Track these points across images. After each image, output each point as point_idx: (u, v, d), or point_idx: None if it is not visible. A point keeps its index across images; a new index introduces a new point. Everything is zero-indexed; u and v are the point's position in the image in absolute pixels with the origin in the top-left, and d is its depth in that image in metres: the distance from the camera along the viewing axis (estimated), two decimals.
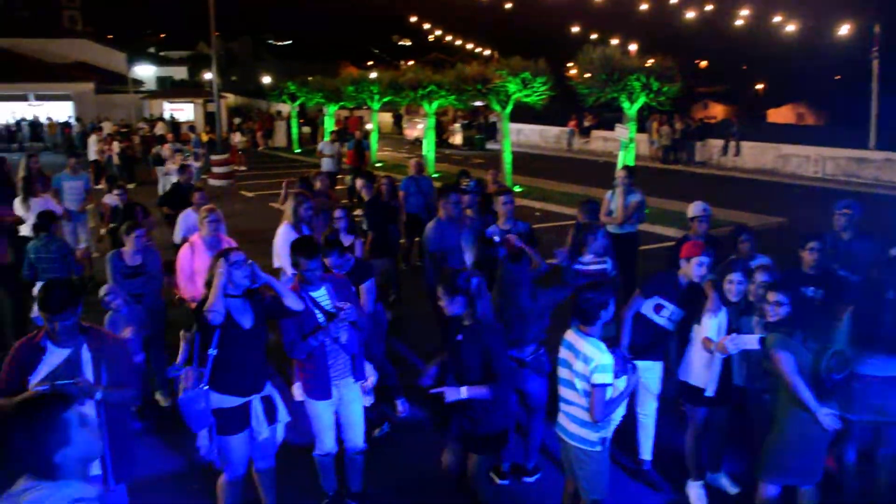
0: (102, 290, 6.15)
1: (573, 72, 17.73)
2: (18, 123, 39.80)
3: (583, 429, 4.44)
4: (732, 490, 5.55)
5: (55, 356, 3.89)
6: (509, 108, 19.27)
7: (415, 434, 6.33)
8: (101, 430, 3.94)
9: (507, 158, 19.40)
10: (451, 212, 7.42)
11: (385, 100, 26.41)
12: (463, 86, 20.41)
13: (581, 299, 4.45)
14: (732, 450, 5.74)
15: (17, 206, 9.78)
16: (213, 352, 4.46)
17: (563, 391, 4.52)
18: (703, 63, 76.50)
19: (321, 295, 4.93)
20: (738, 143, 26.23)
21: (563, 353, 4.51)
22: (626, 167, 9.78)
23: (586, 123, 33.80)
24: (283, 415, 4.85)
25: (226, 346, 4.48)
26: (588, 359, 4.30)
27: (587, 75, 16.04)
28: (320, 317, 4.88)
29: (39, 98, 42.60)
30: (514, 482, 5.69)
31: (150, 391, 6.84)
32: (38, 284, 7.61)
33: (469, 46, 57.06)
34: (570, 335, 4.52)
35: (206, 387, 4.45)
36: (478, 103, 28.78)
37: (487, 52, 52.15)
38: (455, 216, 7.44)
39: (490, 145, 34.05)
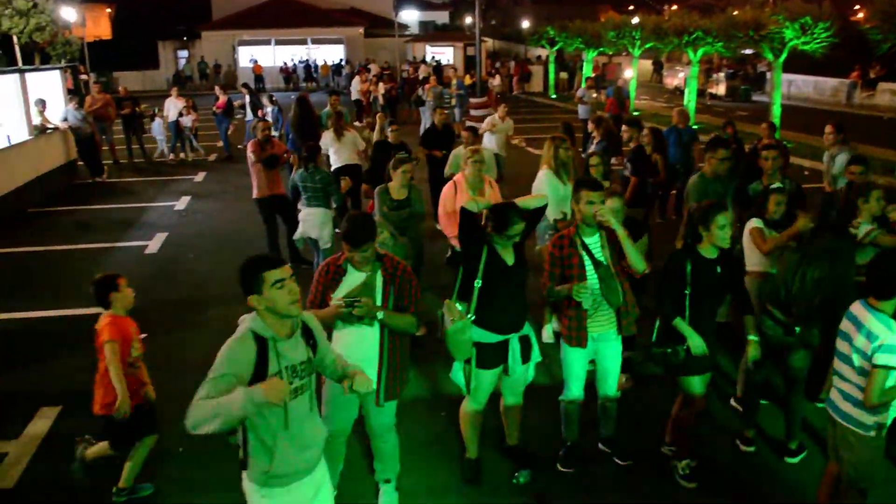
0: None
1: (861, 15, 15.90)
2: (295, 66, 43.41)
3: (857, 409, 4.05)
4: None
5: (354, 278, 4.26)
6: (783, 57, 17.76)
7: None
8: (380, 349, 4.30)
9: (777, 112, 17.98)
10: (717, 167, 7.03)
11: (647, 46, 25.38)
12: (733, 32, 19.08)
13: (878, 269, 4.01)
14: None
15: (328, 140, 10.76)
16: (478, 283, 4.61)
17: (839, 366, 4.14)
18: None
19: (594, 242, 4.88)
20: None
21: (845, 325, 4.11)
22: None
23: (872, 75, 30.29)
24: (536, 354, 4.92)
25: (489, 282, 4.60)
26: (873, 335, 3.87)
27: (880, 19, 14.26)
28: (589, 265, 4.82)
29: (315, 42, 46.02)
30: (772, 458, 5.36)
31: None
32: (302, 210, 8.34)
33: None
34: (857, 307, 4.09)
35: (472, 317, 4.61)
36: (747, 51, 26.78)
37: None
38: (721, 172, 7.04)
39: (756, 97, 31.74)
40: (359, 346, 4.27)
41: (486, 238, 4.65)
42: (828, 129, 8.88)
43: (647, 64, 42.21)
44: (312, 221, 8.22)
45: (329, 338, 4.28)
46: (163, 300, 8.69)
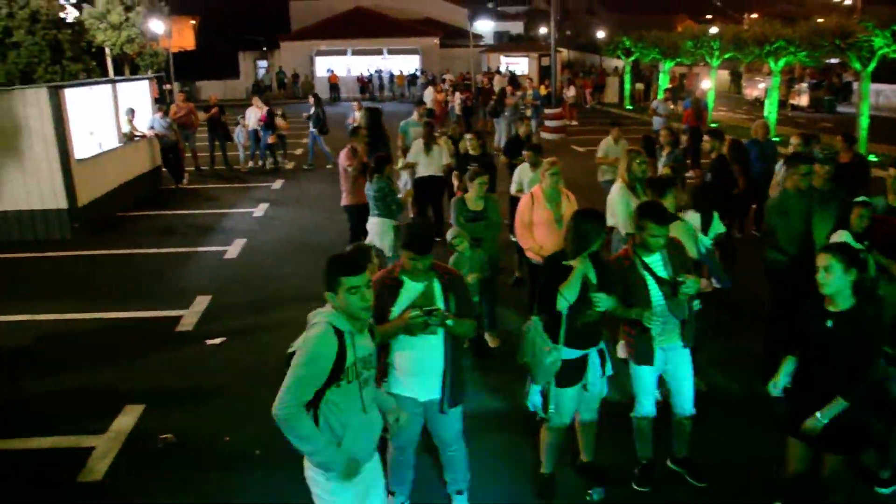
0: (450, 233, 6.60)
1: None
2: (371, 76, 44.04)
3: None
4: None
5: (412, 289, 4.25)
6: (871, 66, 17.14)
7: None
8: (444, 357, 4.31)
9: (864, 123, 17.36)
10: (799, 183, 6.81)
11: (725, 56, 24.87)
12: (817, 40, 18.53)
13: None
14: None
15: (417, 150, 10.98)
16: (563, 306, 4.53)
17: None
18: None
19: (655, 261, 4.79)
20: None
21: None
22: None
23: None
24: (609, 368, 4.86)
25: (581, 300, 4.53)
26: None
27: None
28: (653, 285, 4.74)
29: (391, 52, 46.62)
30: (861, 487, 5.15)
31: (479, 332, 7.22)
32: (369, 219, 8.46)
33: None
34: None
35: (562, 346, 4.56)
36: (832, 60, 25.99)
37: (848, 1, 46.60)
38: (804, 188, 6.82)
39: (841, 108, 30.71)
40: (426, 358, 4.28)
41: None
42: None
43: (725, 74, 41.34)
44: (374, 230, 8.39)
45: (387, 351, 4.35)
46: (241, 304, 8.91)
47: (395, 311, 4.20)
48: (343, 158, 9.65)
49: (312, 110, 18.45)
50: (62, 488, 5.27)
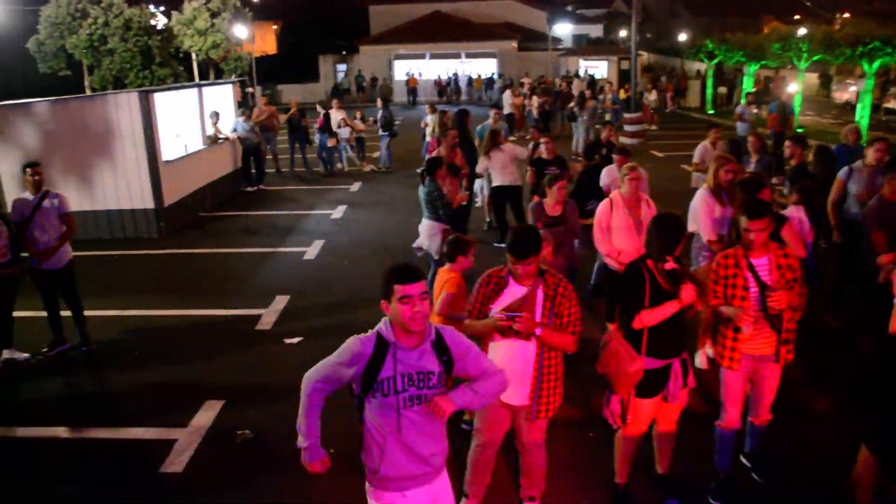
0: None
1: None
2: (448, 80, 44.23)
3: None
4: None
5: (515, 291, 4.25)
6: None
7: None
8: (535, 365, 4.28)
9: None
10: None
11: (815, 58, 23.99)
12: None
13: None
14: None
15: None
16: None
17: None
18: None
19: (761, 264, 4.62)
20: None
21: None
22: None
23: None
24: (691, 380, 4.74)
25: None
26: None
27: None
28: (753, 287, 4.59)
29: (469, 56, 46.72)
30: None
31: None
32: (422, 220, 8.54)
33: None
34: None
35: (644, 355, 4.49)
36: None
37: None
38: None
39: None
40: (513, 361, 4.26)
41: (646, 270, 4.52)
42: None
43: (813, 77, 39.91)
44: (424, 232, 8.49)
45: (485, 350, 4.32)
46: (319, 305, 9.05)
47: (494, 309, 4.22)
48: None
49: (380, 113, 18.61)
50: (146, 477, 5.46)
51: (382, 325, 3.35)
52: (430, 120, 17.31)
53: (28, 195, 7.57)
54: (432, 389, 3.32)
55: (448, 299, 5.54)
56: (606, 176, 8.84)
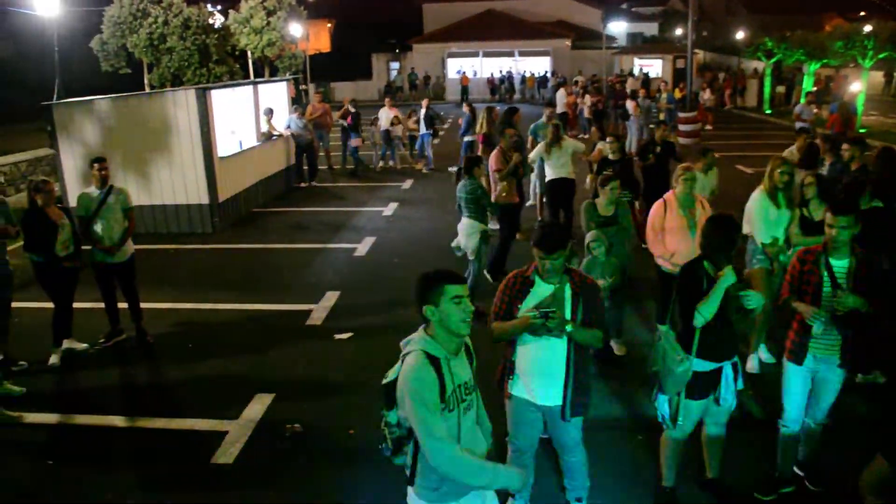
0: (590, 236, 6.50)
1: None
2: (502, 78, 44.08)
3: None
4: None
5: (542, 289, 4.23)
6: None
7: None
8: (566, 364, 4.24)
9: None
10: None
11: (880, 56, 23.25)
12: None
13: None
14: None
15: (540, 151, 11.22)
16: (700, 321, 4.39)
17: None
18: None
19: (841, 266, 4.55)
20: None
21: None
22: None
23: None
24: (740, 382, 4.66)
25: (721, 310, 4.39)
26: None
27: None
28: (827, 287, 4.54)
29: (522, 54, 46.54)
30: None
31: (605, 339, 7.07)
32: (461, 219, 8.50)
33: None
34: None
35: (694, 357, 4.44)
36: None
37: None
38: None
39: None
40: (546, 360, 4.24)
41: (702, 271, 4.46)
42: None
43: (878, 76, 38.75)
44: (463, 231, 8.46)
45: (513, 350, 4.30)
46: (368, 301, 9.12)
47: (522, 309, 4.19)
48: (492, 160, 9.95)
49: (423, 112, 18.52)
50: (198, 467, 5.57)
51: (424, 343, 3.23)
52: (465, 118, 17.12)
53: (94, 189, 7.77)
54: (472, 393, 3.37)
55: None
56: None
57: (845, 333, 4.57)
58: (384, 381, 3.27)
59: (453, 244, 8.76)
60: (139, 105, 12.65)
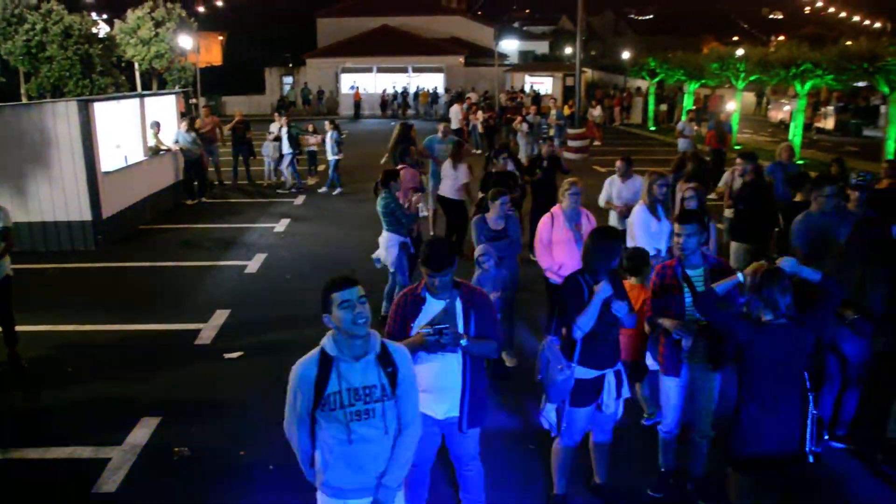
0: (479, 251, 6.56)
1: None
2: (395, 94, 44.25)
3: None
4: None
5: (433, 306, 4.25)
6: None
7: None
8: (462, 377, 4.28)
9: (891, 147, 17.23)
10: (824, 205, 6.73)
11: (751, 79, 24.76)
12: (845, 64, 18.41)
13: None
14: None
15: (446, 168, 11.31)
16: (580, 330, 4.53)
17: None
18: None
19: (697, 275, 4.82)
20: None
21: None
22: None
23: None
24: (625, 390, 4.83)
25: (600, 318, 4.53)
26: None
27: None
28: (688, 298, 4.78)
29: (416, 70, 46.89)
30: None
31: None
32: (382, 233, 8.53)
33: (856, 19, 51.05)
34: None
35: (577, 365, 4.56)
36: (859, 84, 25.77)
37: (877, 25, 46.24)
38: (828, 211, 6.74)
39: (868, 132, 30.41)
40: (443, 375, 4.26)
41: (584, 280, 4.60)
42: None
43: (750, 96, 41.12)
44: (382, 244, 8.53)
45: None
46: (260, 319, 8.94)
47: (416, 327, 4.20)
48: (408, 180, 10.03)
49: (285, 130, 17.89)
50: (78, 499, 5.29)
51: (326, 341, 3.40)
52: (329, 137, 17.02)
53: None
54: (377, 402, 3.39)
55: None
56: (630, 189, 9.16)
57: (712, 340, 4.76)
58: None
59: (374, 255, 8.71)
60: (16, 116, 12.01)
